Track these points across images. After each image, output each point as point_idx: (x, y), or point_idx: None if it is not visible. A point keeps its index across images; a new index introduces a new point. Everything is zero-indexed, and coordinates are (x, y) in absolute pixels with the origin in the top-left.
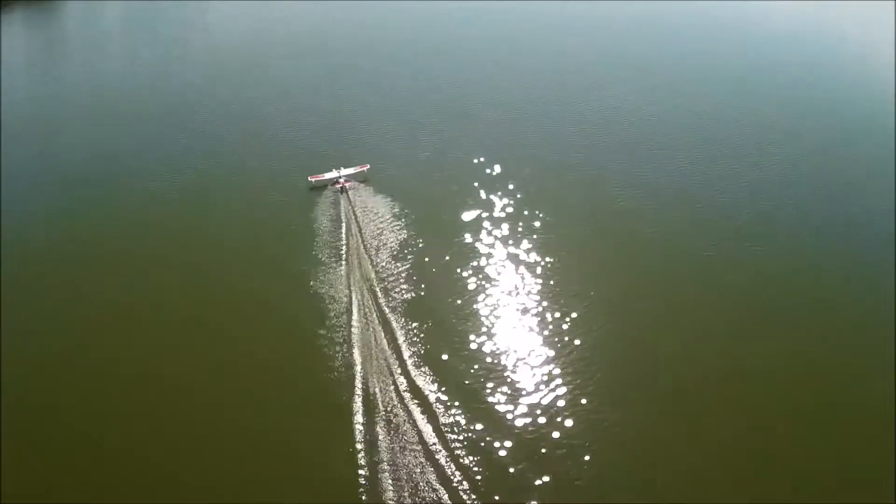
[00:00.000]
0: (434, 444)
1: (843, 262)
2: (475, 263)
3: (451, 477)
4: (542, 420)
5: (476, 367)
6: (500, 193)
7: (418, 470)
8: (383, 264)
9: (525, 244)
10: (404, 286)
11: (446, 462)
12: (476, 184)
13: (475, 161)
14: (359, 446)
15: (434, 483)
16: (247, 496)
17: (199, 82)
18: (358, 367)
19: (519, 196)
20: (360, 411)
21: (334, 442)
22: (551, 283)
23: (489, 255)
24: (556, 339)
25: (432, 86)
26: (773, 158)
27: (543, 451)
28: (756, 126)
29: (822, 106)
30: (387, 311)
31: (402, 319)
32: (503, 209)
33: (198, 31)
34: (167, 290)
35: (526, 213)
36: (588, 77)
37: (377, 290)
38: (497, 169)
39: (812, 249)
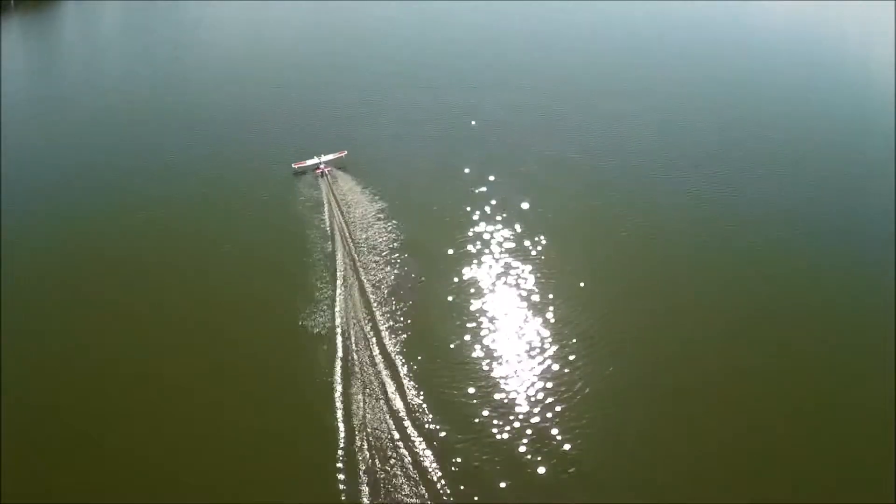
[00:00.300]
0: (431, 440)
1: (843, 262)
2: (458, 237)
3: (447, 475)
4: (541, 419)
5: (468, 339)
6: (483, 174)
7: (416, 468)
8: (372, 259)
9: (516, 230)
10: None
11: (443, 459)
12: (463, 168)
13: (468, 160)
14: (359, 446)
15: (429, 480)
16: (247, 496)
17: (198, 83)
18: (356, 366)
19: (512, 187)
20: (361, 410)
21: (334, 442)
22: (547, 275)
23: (475, 237)
24: (556, 337)
25: (432, 86)
26: (772, 158)
27: (543, 451)
28: (756, 126)
29: (823, 106)
30: (373, 300)
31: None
32: (485, 187)
33: (197, 32)
34: (167, 291)
35: (517, 201)
36: (588, 76)
37: (367, 285)
38: (490, 161)
39: (812, 249)
